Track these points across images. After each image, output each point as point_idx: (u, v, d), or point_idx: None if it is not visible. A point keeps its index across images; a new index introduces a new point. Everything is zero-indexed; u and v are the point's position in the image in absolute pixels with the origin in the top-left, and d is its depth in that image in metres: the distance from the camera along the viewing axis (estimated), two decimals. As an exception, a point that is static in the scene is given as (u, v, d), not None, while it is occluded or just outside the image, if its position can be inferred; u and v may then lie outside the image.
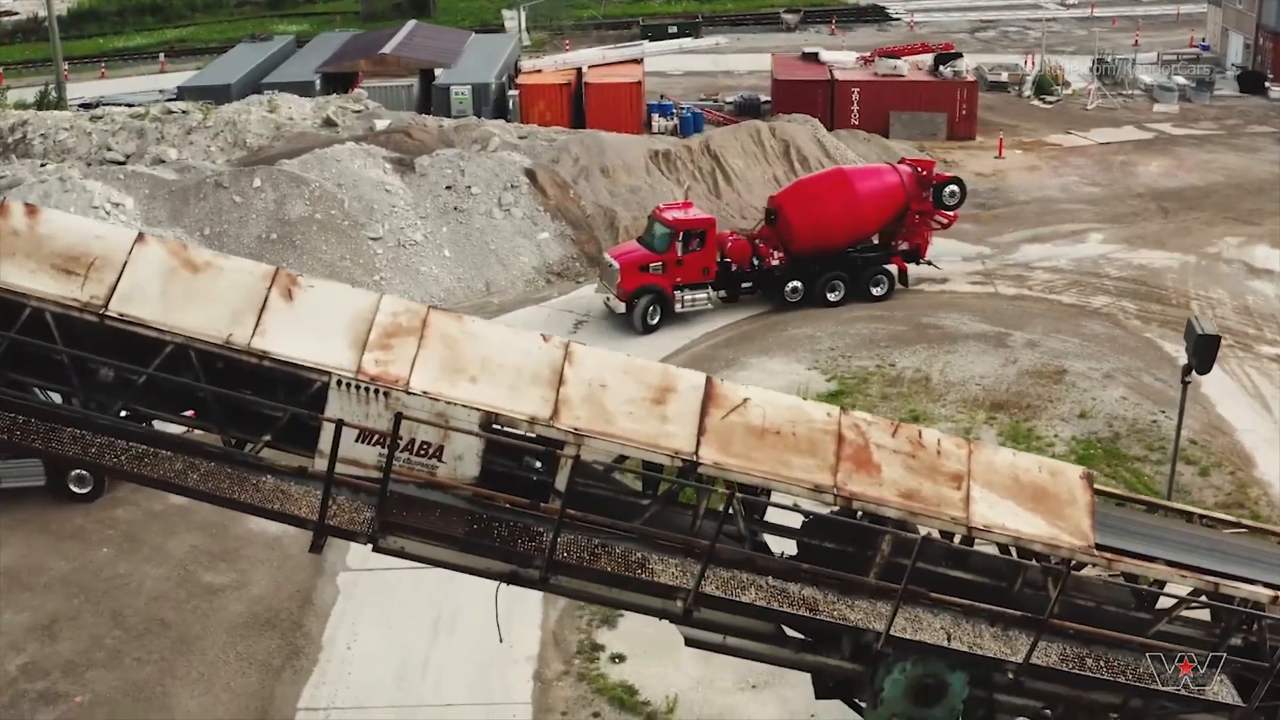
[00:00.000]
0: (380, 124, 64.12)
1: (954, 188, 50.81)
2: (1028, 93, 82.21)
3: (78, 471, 37.51)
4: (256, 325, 14.37)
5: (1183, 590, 15.57)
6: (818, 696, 17.89)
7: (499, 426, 14.49)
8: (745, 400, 14.97)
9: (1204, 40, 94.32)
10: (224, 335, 14.30)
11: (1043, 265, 54.33)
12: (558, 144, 61.14)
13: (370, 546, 14.96)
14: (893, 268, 50.53)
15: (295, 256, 53.11)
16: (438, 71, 77.52)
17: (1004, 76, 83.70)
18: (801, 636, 15.82)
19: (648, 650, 30.72)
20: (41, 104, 75.73)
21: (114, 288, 14.35)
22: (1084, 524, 15.15)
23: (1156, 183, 64.94)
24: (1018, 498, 15.11)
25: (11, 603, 33.01)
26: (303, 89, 72.02)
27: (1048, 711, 16.60)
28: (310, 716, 29.39)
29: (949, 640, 14.66)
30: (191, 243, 51.26)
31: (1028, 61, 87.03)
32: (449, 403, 14.17)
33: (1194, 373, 29.49)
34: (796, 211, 48.29)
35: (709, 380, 15.09)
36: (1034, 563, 14.92)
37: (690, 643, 16.16)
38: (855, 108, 72.01)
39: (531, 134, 64.45)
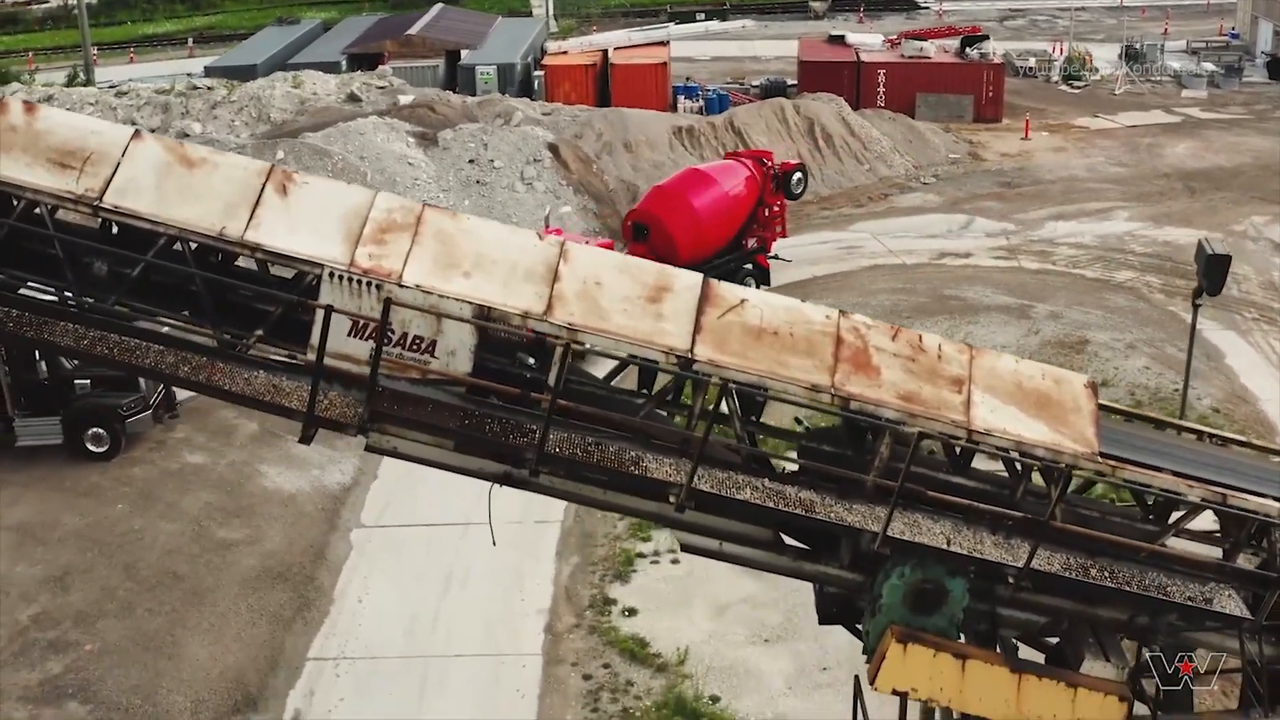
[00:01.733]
0: (404, 99, 64.16)
1: (799, 175, 48.55)
2: (1055, 78, 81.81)
3: (95, 430, 37.64)
4: (250, 219, 14.26)
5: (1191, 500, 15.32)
6: (821, 622, 17.66)
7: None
8: (743, 301, 14.77)
9: (1234, 29, 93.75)
10: (218, 228, 14.19)
11: (1067, 241, 54.01)
12: (581, 120, 61.08)
13: (364, 446, 14.82)
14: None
15: (317, 227, 53.12)
16: (463, 52, 77.58)
17: (1032, 62, 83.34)
18: (800, 545, 15.65)
19: (660, 605, 30.69)
20: (70, 84, 76.05)
21: (109, 181, 14.27)
22: (1088, 431, 14.90)
23: (1183, 164, 64.50)
24: (1020, 404, 14.86)
25: (25, 556, 33.08)
26: (328, 69, 72.12)
27: (1053, 640, 16.39)
28: (320, 665, 29.35)
29: (948, 544, 14.44)
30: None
31: (1056, 48, 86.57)
32: (441, 296, 14.04)
33: (1204, 294, 29.13)
34: (674, 221, 43.50)
35: (706, 280, 14.91)
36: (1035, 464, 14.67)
37: (686, 548, 16.00)
38: (881, 89, 71.69)
39: (555, 111, 64.42)
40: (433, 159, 56.31)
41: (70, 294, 14.62)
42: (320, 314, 13.81)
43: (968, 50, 74.49)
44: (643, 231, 43.30)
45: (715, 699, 27.34)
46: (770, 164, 47.52)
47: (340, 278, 14.05)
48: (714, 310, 14.61)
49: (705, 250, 43.63)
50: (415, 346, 14.20)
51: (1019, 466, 15.13)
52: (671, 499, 14.37)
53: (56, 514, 34.95)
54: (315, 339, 13.93)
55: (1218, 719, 16.54)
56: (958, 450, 15.46)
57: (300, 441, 14.75)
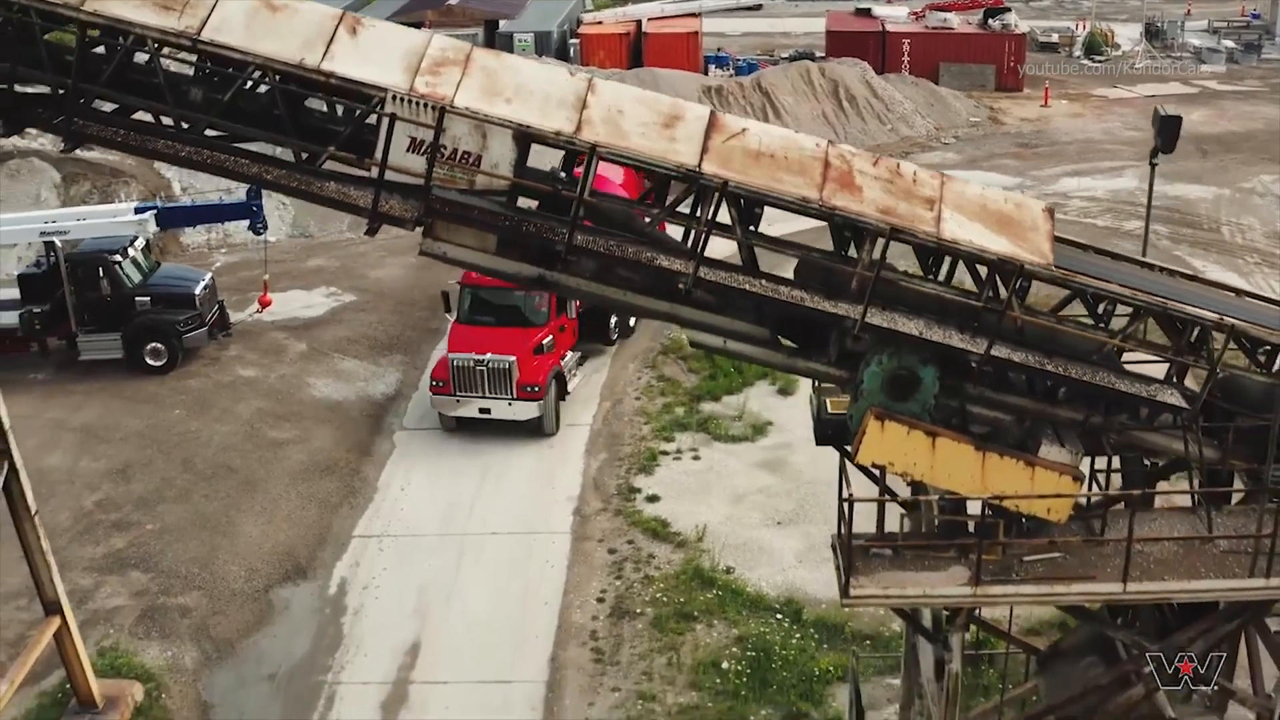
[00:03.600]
0: (443, 60, 66.30)
1: None
2: (1078, 53, 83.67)
3: (153, 345, 40.13)
4: (325, 52, 16.64)
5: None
6: (818, 443, 19.87)
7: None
8: (744, 130, 17.04)
9: (1255, 10, 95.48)
10: (298, 59, 16.56)
11: (1079, 194, 56.00)
12: (614, 79, 63.18)
13: (418, 250, 17.21)
14: None
15: (359, 175, 55.43)
16: (502, 22, 79.87)
17: (1055, 38, 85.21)
18: (793, 345, 17.90)
19: (681, 494, 32.98)
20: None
21: (206, 20, 16.68)
22: (1044, 246, 17.11)
23: (1197, 129, 66.23)
24: (984, 221, 17.09)
25: (89, 452, 35.51)
26: (372, 37, 74.23)
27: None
28: (364, 542, 31.73)
29: (920, 334, 16.68)
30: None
31: (1079, 25, 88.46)
32: (486, 118, 16.38)
33: (1159, 153, 31.73)
34: None
35: (713, 111, 17.19)
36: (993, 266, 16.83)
37: (695, 344, 18.25)
38: (906, 59, 73.62)
39: (590, 72, 66.60)
40: (471, 113, 58.40)
41: (172, 117, 17.10)
42: (385, 123, 16.21)
43: (990, 21, 76.46)
44: None
45: (730, 569, 29.57)
46: None
47: (401, 100, 16.41)
48: (719, 135, 16.90)
49: None
50: (464, 161, 16.54)
51: (983, 276, 17.33)
52: (681, 286, 16.65)
53: (118, 418, 37.41)
54: (379, 149, 16.32)
55: (1171, 516, 18.61)
56: (930, 261, 17.75)
57: (366, 233, 17.15)
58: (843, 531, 17.34)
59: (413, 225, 16.54)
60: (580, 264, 17.18)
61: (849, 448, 17.73)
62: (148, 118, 17.64)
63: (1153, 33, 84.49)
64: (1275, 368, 17.96)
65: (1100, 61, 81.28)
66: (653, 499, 32.59)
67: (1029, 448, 17.54)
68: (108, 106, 17.97)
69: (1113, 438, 18.06)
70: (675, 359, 40.11)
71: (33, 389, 38.99)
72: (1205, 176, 57.76)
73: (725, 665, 26.20)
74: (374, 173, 16.51)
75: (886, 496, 18.05)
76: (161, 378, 39.85)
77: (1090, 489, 18.42)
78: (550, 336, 36.43)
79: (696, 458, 34.45)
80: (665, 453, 34.77)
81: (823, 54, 76.97)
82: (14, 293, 41.10)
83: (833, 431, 19.05)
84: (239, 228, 50.91)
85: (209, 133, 17.37)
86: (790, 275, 17.36)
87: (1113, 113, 69.85)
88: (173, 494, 33.47)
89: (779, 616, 27.68)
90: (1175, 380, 17.76)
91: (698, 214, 16.89)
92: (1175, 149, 32.80)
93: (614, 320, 40.30)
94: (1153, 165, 31.49)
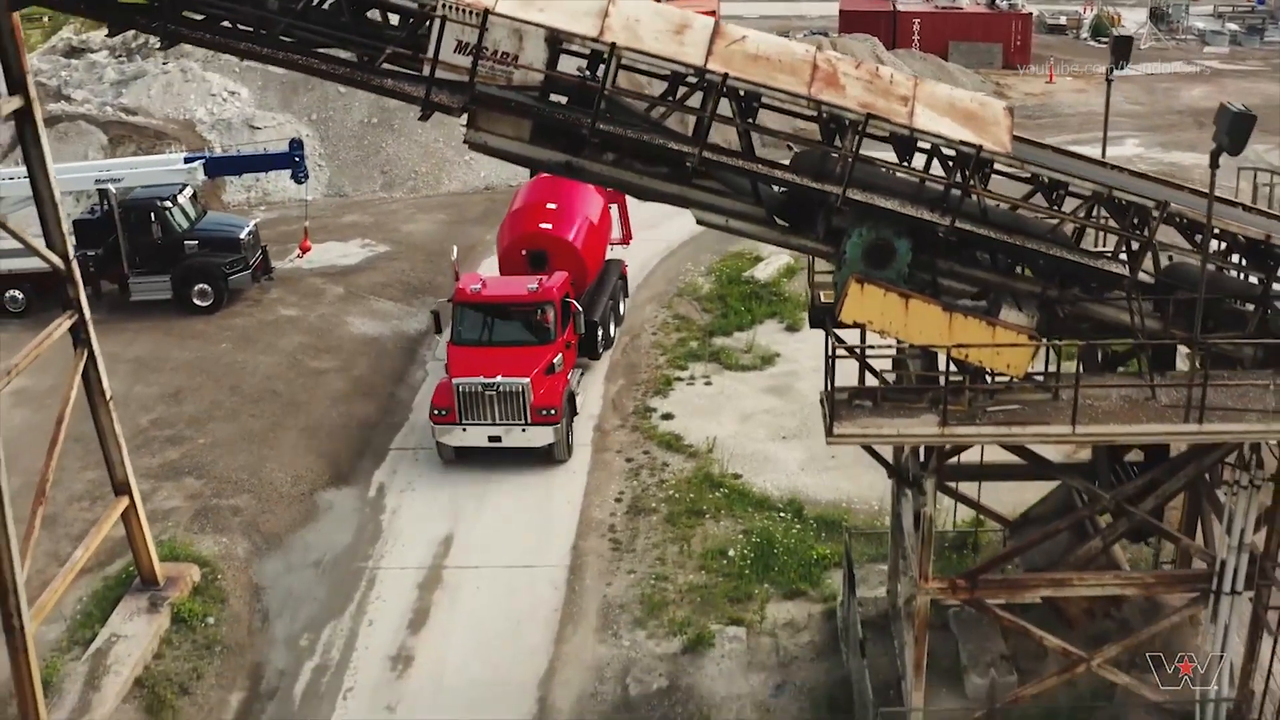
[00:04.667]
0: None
1: None
2: (1085, 35, 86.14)
3: (200, 286, 42.83)
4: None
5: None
6: (811, 326, 22.49)
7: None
8: (744, 36, 19.67)
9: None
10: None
11: (1080, 161, 58.30)
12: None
13: (463, 140, 19.91)
14: None
15: (394, 138, 58.48)
16: None
17: (1063, 20, 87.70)
18: (785, 224, 20.48)
19: (693, 413, 35.54)
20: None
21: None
22: (1004, 138, 19.68)
23: (1196, 104, 68.70)
24: (952, 116, 19.66)
25: (142, 379, 38.14)
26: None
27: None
28: (401, 453, 34.41)
29: (895, 208, 19.27)
30: (300, 127, 56.74)
31: (1086, 8, 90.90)
32: (523, 21, 19.02)
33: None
34: (579, 240, 38.07)
35: (717, 21, 19.84)
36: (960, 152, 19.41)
37: (702, 223, 20.84)
38: (916, 37, 76.17)
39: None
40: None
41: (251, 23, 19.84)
42: (437, 25, 18.91)
43: (998, 1, 78.98)
44: (541, 259, 36.98)
45: (738, 475, 32.11)
46: None
47: (451, 6, 19.07)
48: (722, 41, 19.53)
49: (600, 258, 40.12)
50: (503, 60, 19.20)
51: (950, 163, 19.94)
52: (688, 164, 19.32)
53: (168, 351, 40.05)
54: (431, 47, 19.02)
55: (1119, 379, 21.09)
56: (904, 154, 20.38)
57: (420, 119, 19.84)
58: (829, 386, 19.85)
59: (459, 113, 19.20)
60: (602, 153, 19.83)
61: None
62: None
63: (1158, 16, 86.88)
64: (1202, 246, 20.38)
65: (1106, 42, 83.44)
66: (667, 417, 35.14)
67: (990, 310, 20.15)
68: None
69: (1066, 309, 20.57)
70: (689, 300, 42.77)
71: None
72: (1200, 144, 59.82)
73: (731, 553, 28.72)
74: (426, 70, 19.15)
75: (867, 356, 20.50)
76: (208, 317, 42.51)
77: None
78: (560, 355, 33.77)
79: (708, 383, 37.02)
80: (679, 379, 37.32)
81: (835, 34, 79.31)
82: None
83: (824, 316, 21.62)
84: (277, 186, 53.86)
85: (284, 37, 20.02)
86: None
87: (1116, 89, 72.00)
88: (221, 414, 36.05)
89: (782, 514, 30.18)
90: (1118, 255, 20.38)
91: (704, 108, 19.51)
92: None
93: (600, 334, 37.34)
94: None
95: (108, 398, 25.90)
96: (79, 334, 24.95)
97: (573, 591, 28.06)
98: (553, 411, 32.36)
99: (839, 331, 19.89)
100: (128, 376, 38.09)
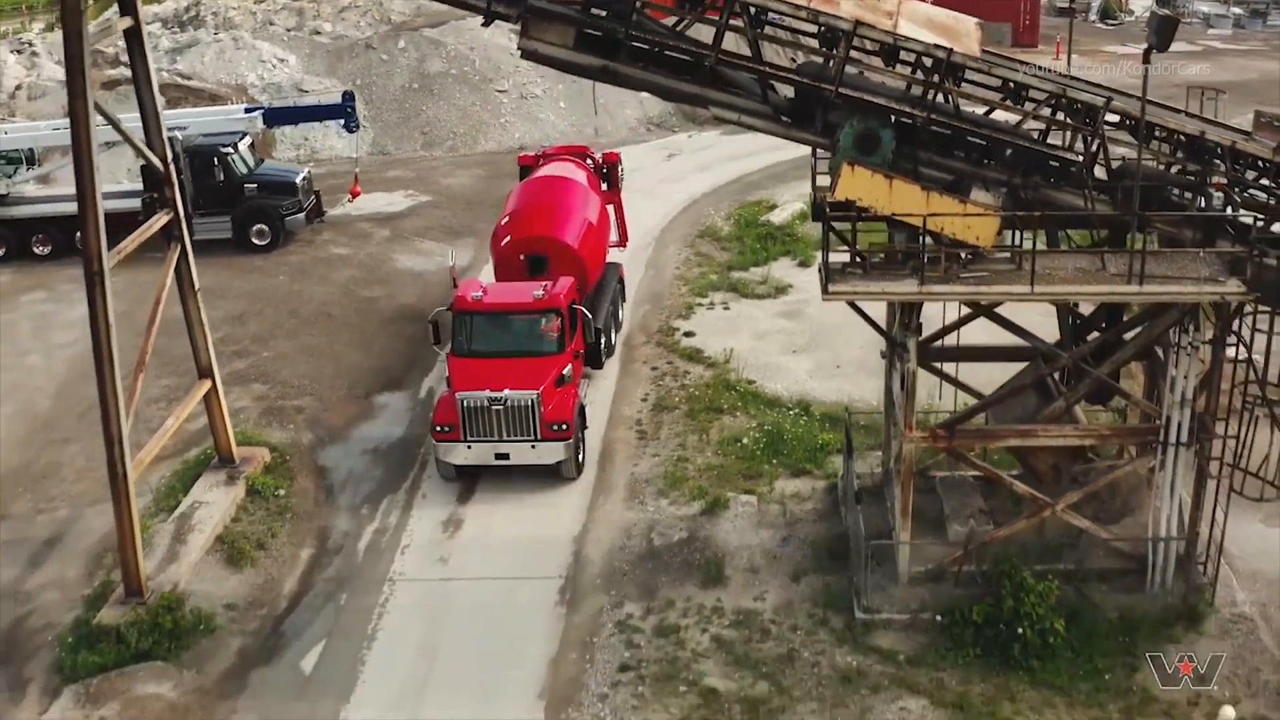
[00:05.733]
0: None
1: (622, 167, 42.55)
2: (1093, 18, 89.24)
3: (259, 226, 46.46)
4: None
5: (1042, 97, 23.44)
6: (813, 220, 25.89)
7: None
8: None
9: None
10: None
11: (1081, 125, 61.50)
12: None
13: (517, 47, 23.43)
14: None
15: (433, 103, 62.08)
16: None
17: (1071, 3, 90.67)
18: (789, 121, 23.86)
19: (713, 332, 38.92)
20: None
21: None
22: (974, 47, 23.09)
23: (1193, 78, 71.66)
24: (930, 28, 23.07)
25: (207, 305, 40.61)
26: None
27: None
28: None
29: (881, 102, 22.70)
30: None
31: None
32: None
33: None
34: (580, 243, 36.10)
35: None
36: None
37: (719, 119, 24.22)
38: (930, 16, 79.16)
39: (638, 20, 72.56)
40: (531, 51, 64.77)
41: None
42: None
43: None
44: (540, 264, 35.07)
45: (752, 381, 35.46)
46: (591, 157, 41.96)
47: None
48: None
49: (600, 261, 38.24)
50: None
51: (928, 70, 23.35)
52: (706, 64, 22.80)
53: (230, 282, 43.60)
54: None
55: (1076, 255, 24.37)
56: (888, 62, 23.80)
57: (483, 25, 23.34)
58: (825, 257, 23.29)
59: (515, 20, 22.66)
60: (635, 60, 23.31)
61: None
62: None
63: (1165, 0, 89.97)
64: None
65: (1113, 24, 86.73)
66: (689, 335, 38.58)
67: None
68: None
69: (1029, 194, 23.91)
70: (710, 240, 46.23)
71: (153, 263, 44.98)
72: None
73: (745, 440, 32.09)
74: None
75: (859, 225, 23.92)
76: (266, 254, 46.14)
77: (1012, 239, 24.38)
78: (569, 365, 31.63)
79: (726, 308, 40.46)
80: (700, 305, 40.77)
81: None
82: (137, 183, 47.41)
83: (823, 210, 25.04)
84: (324, 145, 57.53)
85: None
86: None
87: (1117, 65, 75.17)
88: (282, 333, 39.65)
89: (791, 411, 33.53)
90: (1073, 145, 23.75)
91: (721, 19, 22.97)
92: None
93: (603, 342, 35.30)
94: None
95: (196, 289, 29.42)
96: (172, 231, 28.57)
97: (603, 471, 31.42)
98: (564, 426, 30.25)
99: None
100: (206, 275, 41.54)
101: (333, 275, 44.13)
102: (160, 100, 28.60)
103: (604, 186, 40.74)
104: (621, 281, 39.77)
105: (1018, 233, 24.64)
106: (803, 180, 37.40)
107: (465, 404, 30.24)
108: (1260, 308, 23.17)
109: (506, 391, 30.16)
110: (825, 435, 31.83)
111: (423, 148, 59.87)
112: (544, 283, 32.77)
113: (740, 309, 40.42)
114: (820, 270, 23.70)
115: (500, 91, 62.13)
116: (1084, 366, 24.81)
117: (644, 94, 59.32)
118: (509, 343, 31.65)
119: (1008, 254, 23.88)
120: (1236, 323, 23.40)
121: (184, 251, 28.82)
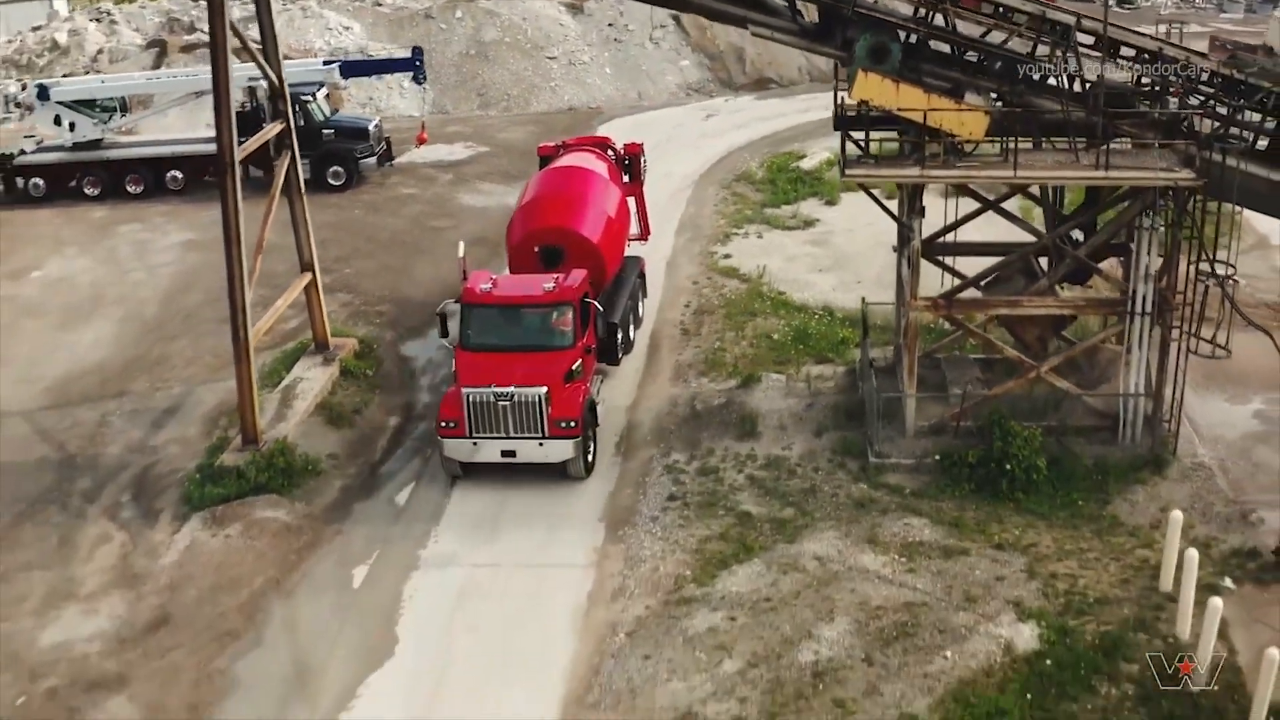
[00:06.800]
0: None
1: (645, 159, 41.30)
2: (1112, 2, 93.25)
3: (334, 168, 51.22)
4: None
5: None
6: (835, 129, 30.31)
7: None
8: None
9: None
10: None
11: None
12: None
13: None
14: None
15: (488, 67, 66.89)
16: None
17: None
18: (814, 37, 28.34)
19: (748, 255, 43.44)
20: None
21: None
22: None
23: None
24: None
25: (290, 233, 46.33)
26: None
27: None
28: (510, 279, 42.38)
29: (889, 19, 27.26)
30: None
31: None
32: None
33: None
34: (597, 235, 34.86)
35: None
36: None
37: (754, 34, 28.81)
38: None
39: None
40: (579, 22, 69.66)
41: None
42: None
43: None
44: (555, 256, 33.96)
45: (782, 292, 39.92)
46: (611, 148, 40.64)
47: None
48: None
49: (619, 255, 37.01)
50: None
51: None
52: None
53: (310, 215, 48.09)
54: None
55: (1056, 152, 28.80)
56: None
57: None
58: (842, 152, 27.87)
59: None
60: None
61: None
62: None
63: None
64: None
65: (1130, 8, 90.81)
66: (726, 256, 43.16)
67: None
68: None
69: (1015, 99, 28.32)
70: (745, 183, 50.85)
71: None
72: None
73: (775, 336, 36.54)
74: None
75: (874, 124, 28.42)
76: (340, 193, 50.86)
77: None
78: (579, 361, 30.62)
79: (760, 237, 45.04)
80: (736, 234, 45.35)
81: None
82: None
83: (849, 121, 29.51)
84: (389, 104, 62.38)
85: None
86: None
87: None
88: (361, 255, 44.36)
89: (816, 314, 38.02)
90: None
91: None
92: None
93: (620, 337, 34.01)
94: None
95: (301, 191, 34.08)
96: (284, 139, 33.21)
97: (650, 360, 35.94)
98: (572, 424, 29.40)
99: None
100: (278, 230, 45.99)
101: (403, 210, 48.90)
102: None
103: (625, 179, 39.35)
104: (642, 276, 38.63)
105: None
106: (829, 136, 41.50)
107: (470, 399, 29.41)
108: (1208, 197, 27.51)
109: (513, 387, 29.30)
110: (846, 332, 36.21)
111: (479, 108, 64.65)
112: (555, 275, 31.80)
113: (772, 238, 44.93)
114: (839, 159, 28.18)
115: (550, 58, 66.80)
116: (1063, 248, 29.22)
117: (684, 61, 64.30)
118: (518, 337, 30.61)
119: (998, 151, 28.24)
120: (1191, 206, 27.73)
121: (293, 158, 33.39)
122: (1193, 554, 23.55)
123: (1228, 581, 25.16)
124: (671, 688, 23.09)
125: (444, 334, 31.61)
